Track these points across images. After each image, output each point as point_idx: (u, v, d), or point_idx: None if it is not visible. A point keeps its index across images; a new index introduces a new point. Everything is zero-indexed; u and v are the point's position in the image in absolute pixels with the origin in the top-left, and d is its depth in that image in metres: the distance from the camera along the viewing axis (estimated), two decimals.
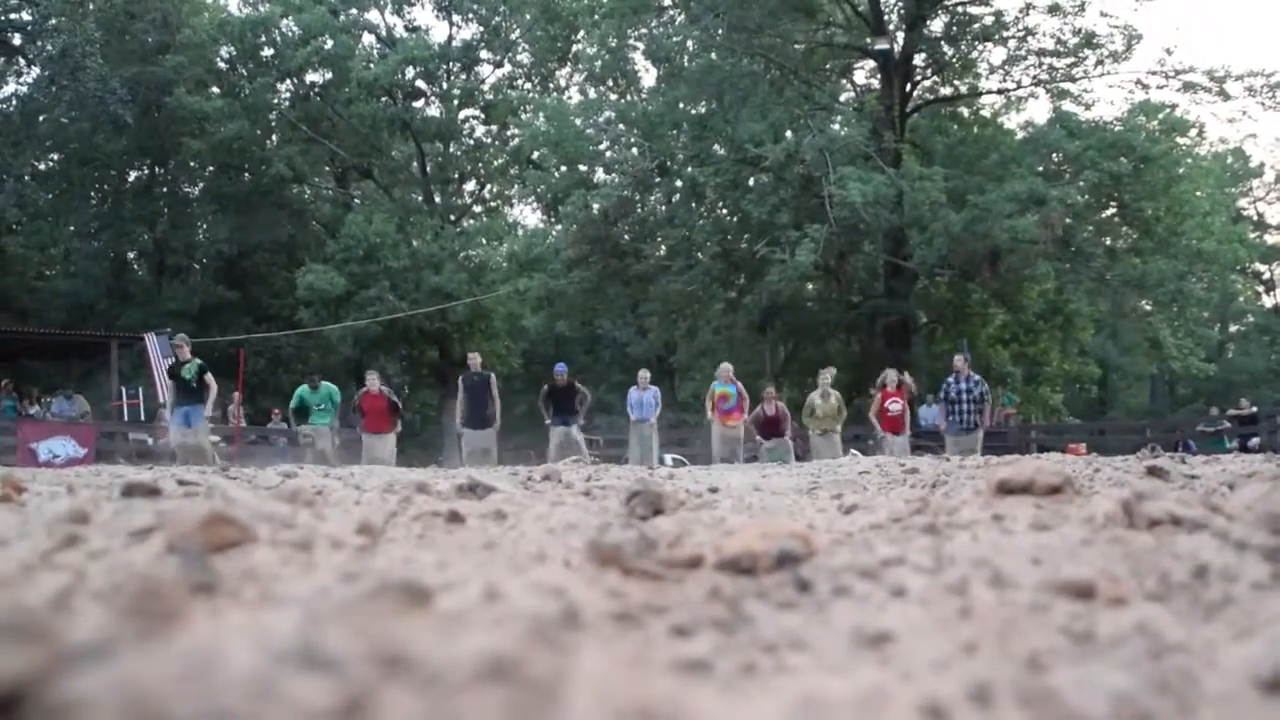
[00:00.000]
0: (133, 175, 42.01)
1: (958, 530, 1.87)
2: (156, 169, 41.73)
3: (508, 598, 1.25)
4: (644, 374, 21.09)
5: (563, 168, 38.84)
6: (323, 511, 2.24)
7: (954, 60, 35.83)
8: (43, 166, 39.95)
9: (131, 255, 42.77)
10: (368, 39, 42.20)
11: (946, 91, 36.72)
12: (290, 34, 39.91)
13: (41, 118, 38.42)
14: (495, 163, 44.29)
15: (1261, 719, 0.99)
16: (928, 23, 34.81)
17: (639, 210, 36.77)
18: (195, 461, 15.12)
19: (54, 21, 36.36)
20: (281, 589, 1.40)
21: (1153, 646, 1.20)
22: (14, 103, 38.89)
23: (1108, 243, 33.53)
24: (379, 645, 0.60)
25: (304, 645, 0.60)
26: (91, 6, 36.89)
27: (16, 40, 38.02)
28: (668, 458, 20.90)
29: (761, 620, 1.33)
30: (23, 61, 38.82)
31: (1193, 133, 36.55)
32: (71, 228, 41.45)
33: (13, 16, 37.19)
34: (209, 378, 16.80)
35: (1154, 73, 33.71)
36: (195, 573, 1.37)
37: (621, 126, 38.18)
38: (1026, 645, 1.20)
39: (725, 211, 36.33)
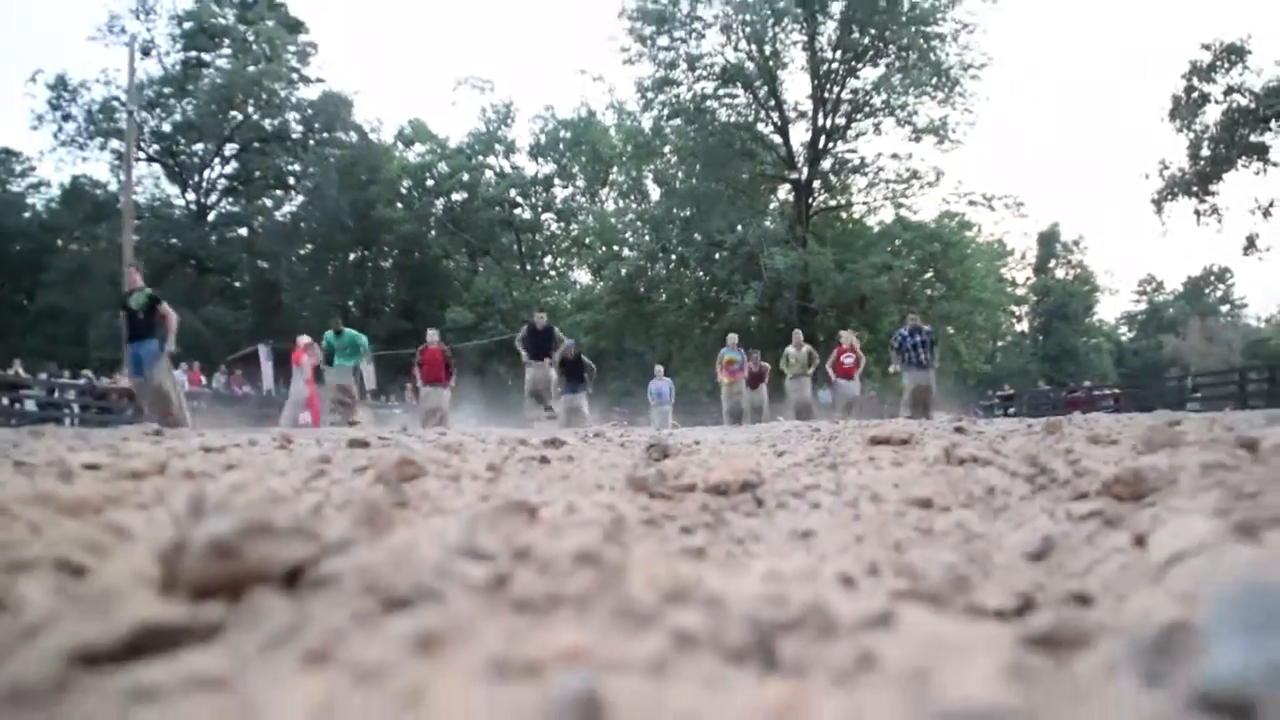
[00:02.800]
0: (351, 256, 45.55)
1: (849, 467, 1.96)
2: (365, 251, 45.43)
3: (581, 510, 1.35)
4: (659, 369, 21.22)
5: (603, 248, 42.28)
6: (466, 456, 2.40)
7: (837, 185, 39.56)
8: (302, 252, 43.64)
9: (350, 303, 45.29)
10: (488, 173, 45.38)
11: (833, 202, 40.17)
12: (443, 171, 44.03)
13: (301, 224, 42.35)
14: (563, 245, 47.70)
15: (1030, 578, 1.09)
16: (821, 163, 38.64)
17: (649, 274, 40.22)
18: (158, 404, 11.00)
19: (311, 169, 40.89)
20: (443, 505, 1.50)
21: (966, 536, 1.31)
22: (288, 216, 43.03)
23: (929, 293, 36.96)
24: (512, 542, 0.68)
25: (466, 542, 0.68)
26: (332, 160, 41.23)
27: (291, 180, 42.29)
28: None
29: (735, 523, 1.43)
30: (293, 193, 42.98)
31: (975, 229, 39.82)
32: (317, 288, 44.46)
33: (288, 168, 41.75)
34: (164, 307, 11.45)
35: (952, 194, 38.54)
36: (393, 494, 1.48)
37: (639, 223, 41.87)
38: (893, 537, 1.31)
39: (702, 274, 39.47)
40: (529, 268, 47.22)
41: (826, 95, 38.30)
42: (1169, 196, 36.41)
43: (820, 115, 38.62)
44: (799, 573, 0.74)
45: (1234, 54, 33.99)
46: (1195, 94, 34.49)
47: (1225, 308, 58.02)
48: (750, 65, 38.27)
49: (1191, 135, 34.91)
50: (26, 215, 41.53)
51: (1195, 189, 34.81)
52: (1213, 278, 60.84)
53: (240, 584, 0.64)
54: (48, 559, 0.84)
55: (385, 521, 0.81)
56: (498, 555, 0.66)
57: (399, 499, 1.48)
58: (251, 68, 40.17)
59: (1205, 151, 34.48)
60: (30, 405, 18.58)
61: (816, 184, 39.28)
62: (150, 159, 40.77)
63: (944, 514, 1.45)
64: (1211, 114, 34.84)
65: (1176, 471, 1.48)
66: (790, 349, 18.56)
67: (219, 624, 0.58)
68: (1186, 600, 0.76)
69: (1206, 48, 34.23)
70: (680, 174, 40.18)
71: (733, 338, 19.03)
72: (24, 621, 0.61)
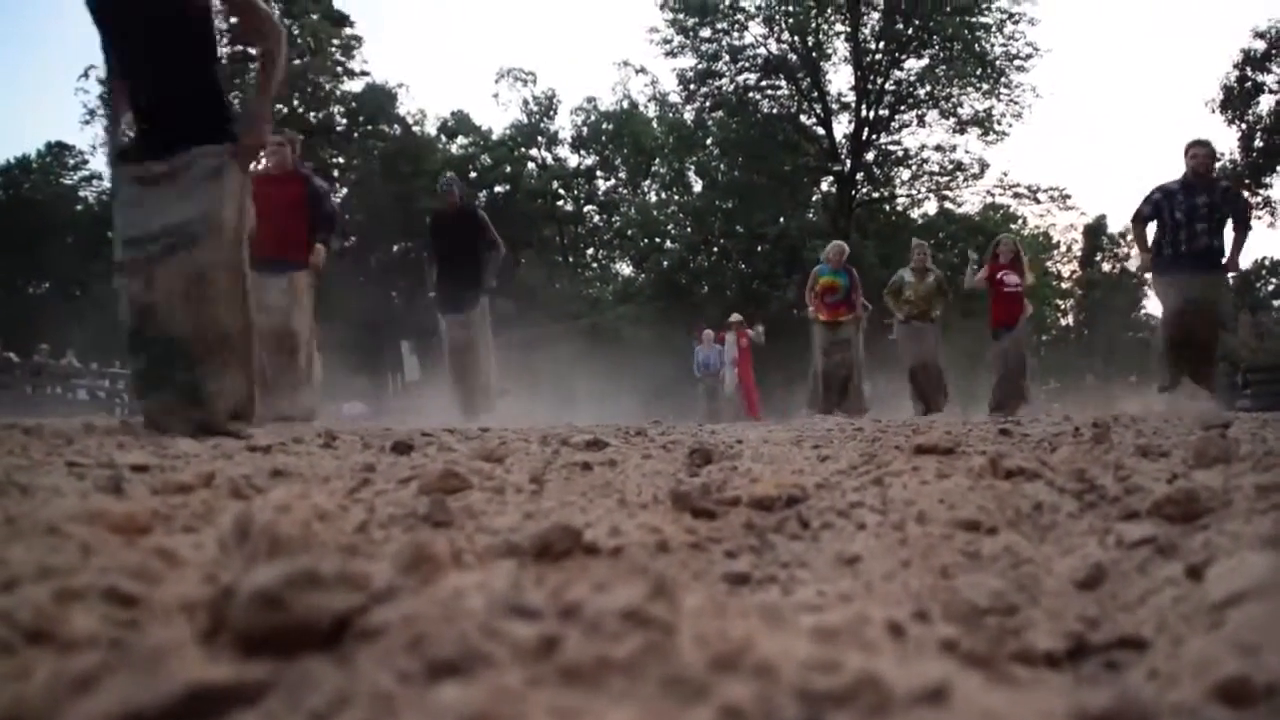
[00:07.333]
0: (395, 248, 46.23)
1: (893, 478, 1.92)
2: (408, 243, 45.54)
3: (625, 533, 1.35)
4: (708, 333, 17.17)
5: (645, 240, 42.51)
6: (509, 465, 2.37)
7: (880, 177, 39.44)
8: (346, 244, 42.65)
9: (394, 294, 46.32)
10: (531, 165, 45.90)
11: (876, 195, 40.06)
12: (485, 163, 44.70)
13: (345, 216, 38.89)
14: (605, 237, 47.89)
15: (1079, 607, 1.08)
16: (864, 155, 38.39)
17: (691, 266, 40.18)
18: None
19: (355, 162, 41.49)
20: (488, 522, 1.49)
21: (1014, 560, 1.29)
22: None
23: None
24: (560, 599, 0.67)
25: (513, 599, 0.67)
26: (376, 153, 42.17)
27: (336, 173, 42.00)
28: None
29: (780, 546, 1.41)
30: (337, 185, 42.49)
31: (1020, 222, 40.06)
32: (361, 279, 43.74)
33: (332, 160, 41.62)
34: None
35: (997, 186, 38.13)
36: (438, 512, 1.49)
37: (681, 215, 41.82)
38: (940, 562, 1.29)
39: (744, 267, 39.45)
40: (571, 260, 47.72)
41: (870, 87, 38.22)
42: None
43: (863, 107, 38.53)
44: (848, 623, 0.71)
45: None
46: (1248, 84, 33.62)
47: (1277, 302, 56.59)
48: (793, 57, 38.38)
49: (1243, 126, 34.04)
50: (79, 208, 42.34)
51: (1247, 182, 34.04)
52: (1264, 271, 59.42)
53: (286, 637, 0.64)
54: (98, 587, 0.84)
55: (435, 570, 0.81)
56: (545, 612, 0.65)
57: (444, 516, 1.50)
58: (297, 61, 40.45)
59: (1258, 143, 33.61)
60: (82, 395, 18.96)
61: (860, 176, 39.31)
62: None
63: (991, 536, 1.42)
64: (1265, 104, 33.86)
65: (1230, 492, 1.46)
66: (905, 273, 11.26)
67: (265, 684, 0.57)
68: (1248, 652, 0.74)
69: (1260, 35, 33.39)
70: (722, 166, 40.35)
71: (837, 247, 12.06)
72: (74, 670, 0.60)
